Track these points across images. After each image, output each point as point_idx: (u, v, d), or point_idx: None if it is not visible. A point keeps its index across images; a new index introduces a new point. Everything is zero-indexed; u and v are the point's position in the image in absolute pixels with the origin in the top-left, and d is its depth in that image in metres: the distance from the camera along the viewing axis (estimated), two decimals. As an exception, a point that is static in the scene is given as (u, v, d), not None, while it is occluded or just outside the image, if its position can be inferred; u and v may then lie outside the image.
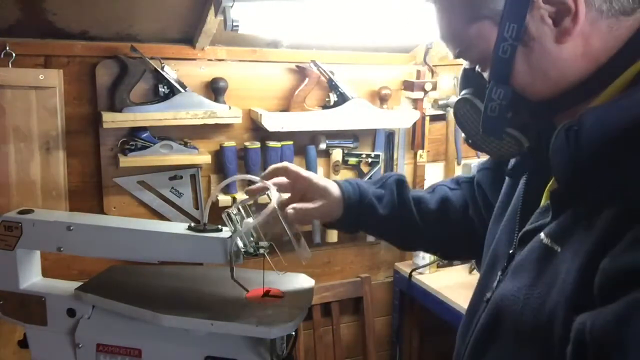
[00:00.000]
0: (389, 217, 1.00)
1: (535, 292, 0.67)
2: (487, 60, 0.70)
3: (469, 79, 0.77)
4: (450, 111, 2.05)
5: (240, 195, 1.86)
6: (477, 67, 0.75)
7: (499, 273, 0.79)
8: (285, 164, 1.00)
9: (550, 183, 0.73)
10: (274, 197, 0.94)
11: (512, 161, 0.84)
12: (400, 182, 1.04)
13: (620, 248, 0.56)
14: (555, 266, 0.65)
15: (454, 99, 1.85)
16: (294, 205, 0.94)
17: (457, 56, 0.75)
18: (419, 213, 1.03)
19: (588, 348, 0.56)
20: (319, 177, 1.00)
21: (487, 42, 0.68)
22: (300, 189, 0.98)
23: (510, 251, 0.78)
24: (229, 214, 0.93)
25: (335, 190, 0.98)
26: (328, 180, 1.01)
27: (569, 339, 0.59)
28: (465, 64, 0.78)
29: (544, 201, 0.75)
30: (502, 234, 0.85)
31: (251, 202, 0.98)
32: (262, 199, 0.99)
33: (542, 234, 0.69)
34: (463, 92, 0.77)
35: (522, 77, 0.68)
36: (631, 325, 0.51)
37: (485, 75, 0.73)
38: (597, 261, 0.58)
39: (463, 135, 0.79)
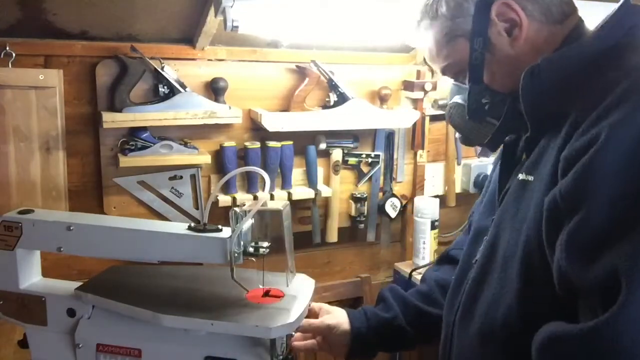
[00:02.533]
0: (412, 323, 1.20)
1: (516, 221, 0.84)
2: (464, 70, 0.92)
3: (455, 91, 1.01)
4: (450, 111, 2.05)
5: (241, 195, 1.86)
6: (459, 79, 0.97)
7: (485, 237, 0.93)
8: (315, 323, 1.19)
9: (523, 139, 0.91)
10: (266, 188, 0.95)
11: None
12: (393, 290, 1.28)
13: (575, 138, 0.73)
14: (529, 192, 0.83)
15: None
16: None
17: (442, 72, 0.98)
18: (429, 305, 1.21)
19: (560, 208, 0.72)
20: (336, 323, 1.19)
21: (463, 54, 0.90)
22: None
23: (494, 217, 0.93)
24: (236, 212, 0.93)
25: (340, 330, 1.18)
26: (340, 317, 1.20)
27: (544, 249, 0.75)
28: (452, 79, 1.01)
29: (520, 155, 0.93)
30: (483, 211, 1.03)
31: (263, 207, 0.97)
32: (271, 204, 1.06)
33: (519, 175, 0.87)
34: (454, 97, 1.00)
35: (491, 75, 0.91)
36: (591, 177, 0.68)
37: (465, 82, 0.94)
38: (559, 160, 0.75)
39: (457, 135, 1.04)
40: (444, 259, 1.28)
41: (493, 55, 0.89)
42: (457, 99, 0.99)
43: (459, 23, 0.89)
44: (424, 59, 2.06)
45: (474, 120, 0.95)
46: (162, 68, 1.71)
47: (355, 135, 2.02)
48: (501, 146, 1.00)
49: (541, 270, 0.76)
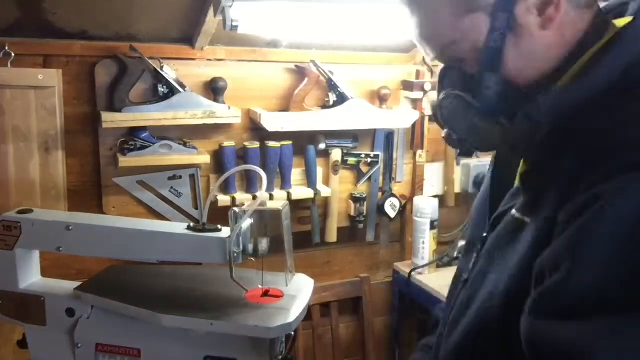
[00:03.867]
0: None
1: (503, 262, 0.76)
2: (476, 53, 0.74)
3: (449, 79, 0.81)
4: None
5: (240, 195, 1.86)
6: (461, 63, 0.78)
7: (475, 255, 0.86)
8: None
9: (520, 166, 0.80)
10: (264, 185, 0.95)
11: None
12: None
13: (576, 197, 0.65)
14: (523, 235, 0.74)
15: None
16: None
17: (439, 53, 0.79)
18: None
19: (544, 276, 0.65)
20: None
21: (479, 33, 0.73)
22: None
23: (484, 234, 0.85)
24: (235, 212, 0.93)
25: None
26: None
27: (528, 294, 0.67)
28: (442, 64, 0.82)
29: (515, 184, 0.82)
30: (476, 221, 0.94)
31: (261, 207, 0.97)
32: (271, 203, 1.02)
33: (513, 211, 0.78)
34: (445, 91, 0.80)
35: (513, 64, 0.74)
36: (582, 242, 0.62)
37: (470, 69, 0.77)
38: (555, 215, 0.67)
39: (443, 133, 0.82)
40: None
41: (517, 38, 0.72)
42: (452, 90, 0.79)
43: None
44: (423, 59, 2.08)
45: (489, 118, 0.75)
46: (162, 68, 1.71)
47: (354, 135, 2.02)
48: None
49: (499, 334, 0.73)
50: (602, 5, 0.80)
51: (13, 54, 1.58)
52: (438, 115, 0.82)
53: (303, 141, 1.94)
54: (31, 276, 1.05)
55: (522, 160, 0.80)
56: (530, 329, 0.65)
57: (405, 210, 2.19)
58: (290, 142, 1.89)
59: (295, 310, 0.93)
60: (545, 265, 0.65)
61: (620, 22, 0.76)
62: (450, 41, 0.76)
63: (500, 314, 0.74)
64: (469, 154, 1.95)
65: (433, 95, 2.07)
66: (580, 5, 0.73)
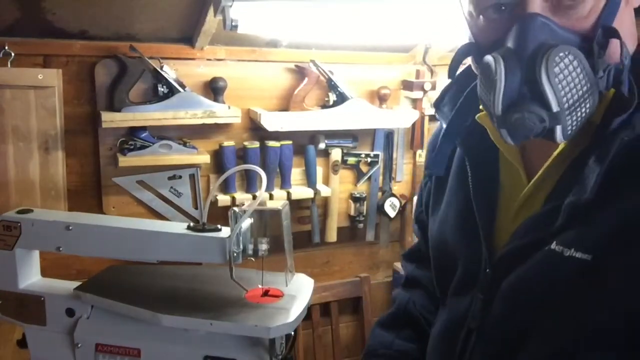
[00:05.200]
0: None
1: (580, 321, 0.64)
2: (596, 9, 0.64)
3: (547, 33, 0.64)
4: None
5: (240, 195, 1.86)
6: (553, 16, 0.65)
7: (480, 296, 0.75)
8: None
9: (567, 198, 0.67)
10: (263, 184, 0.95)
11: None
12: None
13: None
14: (595, 279, 0.63)
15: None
16: None
17: None
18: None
19: None
20: None
21: None
22: None
23: (487, 270, 0.73)
24: (235, 212, 0.93)
25: None
26: None
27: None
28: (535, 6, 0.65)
29: (542, 205, 0.71)
30: (461, 247, 0.80)
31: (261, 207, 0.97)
32: (271, 203, 1.02)
33: (559, 247, 0.65)
34: (560, 46, 0.62)
35: (628, 28, 0.66)
36: None
37: (564, 22, 0.65)
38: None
39: (548, 105, 0.63)
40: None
41: (625, 5, 0.66)
42: (559, 44, 0.62)
43: None
44: (423, 59, 2.08)
45: (608, 89, 0.65)
46: (162, 68, 1.71)
47: (354, 135, 2.02)
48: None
49: None
50: None
51: (13, 54, 1.58)
52: (550, 72, 0.62)
53: (303, 141, 1.94)
54: (31, 276, 1.05)
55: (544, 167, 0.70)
56: None
57: (405, 210, 2.19)
58: (290, 142, 1.89)
59: (295, 310, 0.93)
60: None
61: None
62: None
63: None
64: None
65: (433, 94, 2.08)
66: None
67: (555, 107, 0.61)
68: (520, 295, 0.69)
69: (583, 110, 0.63)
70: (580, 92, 0.62)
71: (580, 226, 0.64)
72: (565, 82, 0.61)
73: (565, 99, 0.61)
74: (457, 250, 0.82)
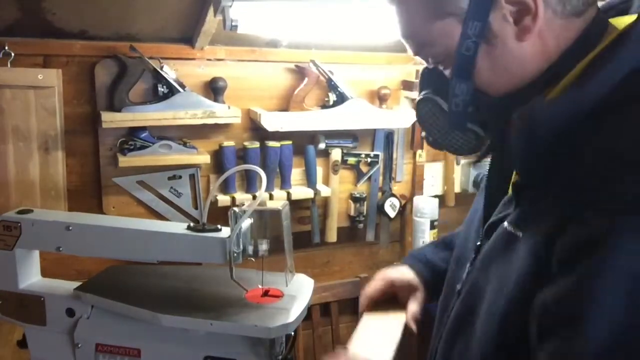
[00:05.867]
0: None
1: (498, 279, 0.73)
2: (450, 58, 0.72)
3: (428, 80, 0.80)
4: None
5: (240, 195, 1.86)
6: (438, 65, 0.77)
7: (468, 265, 0.84)
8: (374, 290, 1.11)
9: (513, 176, 0.76)
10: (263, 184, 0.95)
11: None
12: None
13: (571, 230, 0.62)
14: (516, 251, 0.70)
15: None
16: (412, 319, 1.04)
17: (416, 53, 0.78)
18: None
19: (550, 320, 0.62)
20: (396, 275, 1.09)
21: (451, 39, 0.70)
22: (391, 293, 1.10)
23: (478, 243, 0.82)
24: (235, 212, 0.93)
25: (414, 279, 1.07)
26: (402, 271, 1.09)
27: (527, 317, 0.65)
28: (425, 64, 0.80)
29: (509, 193, 0.79)
30: (470, 228, 0.90)
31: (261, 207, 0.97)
32: (271, 203, 1.02)
33: (505, 223, 0.74)
34: (423, 92, 0.79)
35: (484, 73, 0.71)
36: (587, 292, 0.59)
37: (447, 72, 0.75)
38: (551, 242, 0.64)
39: (423, 133, 0.84)
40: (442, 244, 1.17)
41: (491, 48, 0.69)
42: (428, 93, 0.79)
43: None
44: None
45: (455, 128, 0.76)
46: (161, 68, 1.71)
47: (354, 135, 2.02)
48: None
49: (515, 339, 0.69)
50: (602, 2, 0.76)
51: (13, 54, 1.57)
52: (416, 117, 0.82)
53: (303, 141, 1.94)
54: (31, 276, 1.05)
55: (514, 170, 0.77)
56: None
57: (405, 210, 2.19)
58: (290, 142, 1.89)
59: (295, 310, 0.93)
60: (550, 310, 0.63)
61: (620, 21, 0.71)
62: (424, 42, 0.75)
63: (498, 335, 0.72)
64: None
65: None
66: (566, 14, 0.69)
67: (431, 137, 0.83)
68: (485, 261, 0.78)
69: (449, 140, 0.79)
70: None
71: (523, 206, 0.72)
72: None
73: None
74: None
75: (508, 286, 0.70)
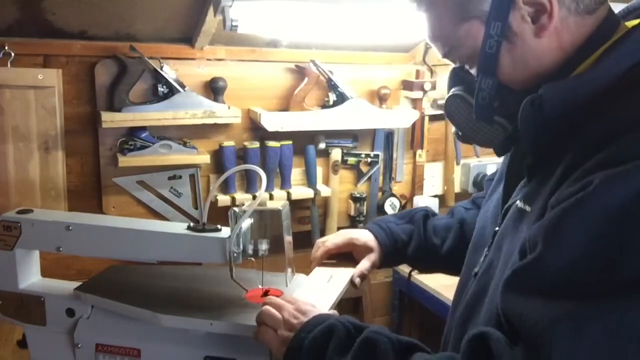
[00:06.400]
0: (418, 251, 1.15)
1: (508, 253, 0.78)
2: (475, 57, 0.79)
3: (457, 78, 0.87)
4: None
5: (240, 195, 1.86)
6: (465, 65, 0.84)
7: (486, 249, 0.88)
8: (332, 244, 1.17)
9: (527, 159, 0.82)
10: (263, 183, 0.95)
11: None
12: (426, 217, 1.18)
13: (568, 184, 0.68)
14: (523, 224, 0.77)
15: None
16: (358, 274, 1.11)
17: (445, 55, 0.84)
18: (442, 242, 1.15)
19: (525, 255, 0.68)
20: (356, 235, 1.15)
21: (475, 39, 0.77)
22: (348, 251, 1.17)
23: (496, 228, 0.87)
24: (235, 212, 0.93)
25: (372, 242, 1.14)
26: (363, 233, 1.16)
27: None
28: (453, 64, 0.87)
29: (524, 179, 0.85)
30: (489, 214, 0.95)
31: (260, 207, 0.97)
32: (271, 203, 1.02)
33: (517, 201, 0.81)
34: (453, 89, 0.87)
35: (507, 69, 0.78)
36: (557, 226, 0.64)
37: (473, 71, 0.82)
38: (549, 203, 0.69)
39: (453, 129, 0.89)
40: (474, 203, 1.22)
41: (512, 45, 0.76)
42: (457, 90, 0.86)
43: (474, 1, 0.76)
44: (423, 59, 2.08)
45: (482, 120, 0.82)
46: (161, 68, 1.71)
47: (354, 135, 2.02)
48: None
49: None
50: (620, 6, 0.82)
51: (13, 54, 1.58)
52: (445, 113, 0.88)
53: (303, 141, 1.94)
54: (31, 276, 1.05)
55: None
56: (502, 301, 0.68)
57: (405, 209, 2.19)
58: (290, 142, 1.89)
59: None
60: (526, 244, 0.69)
61: (633, 23, 0.77)
62: (452, 45, 0.81)
63: None
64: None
65: (433, 94, 2.08)
66: (580, 12, 0.75)
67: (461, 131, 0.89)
68: (499, 240, 0.83)
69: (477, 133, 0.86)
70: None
71: (533, 184, 0.78)
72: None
73: None
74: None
75: (514, 257, 0.75)
